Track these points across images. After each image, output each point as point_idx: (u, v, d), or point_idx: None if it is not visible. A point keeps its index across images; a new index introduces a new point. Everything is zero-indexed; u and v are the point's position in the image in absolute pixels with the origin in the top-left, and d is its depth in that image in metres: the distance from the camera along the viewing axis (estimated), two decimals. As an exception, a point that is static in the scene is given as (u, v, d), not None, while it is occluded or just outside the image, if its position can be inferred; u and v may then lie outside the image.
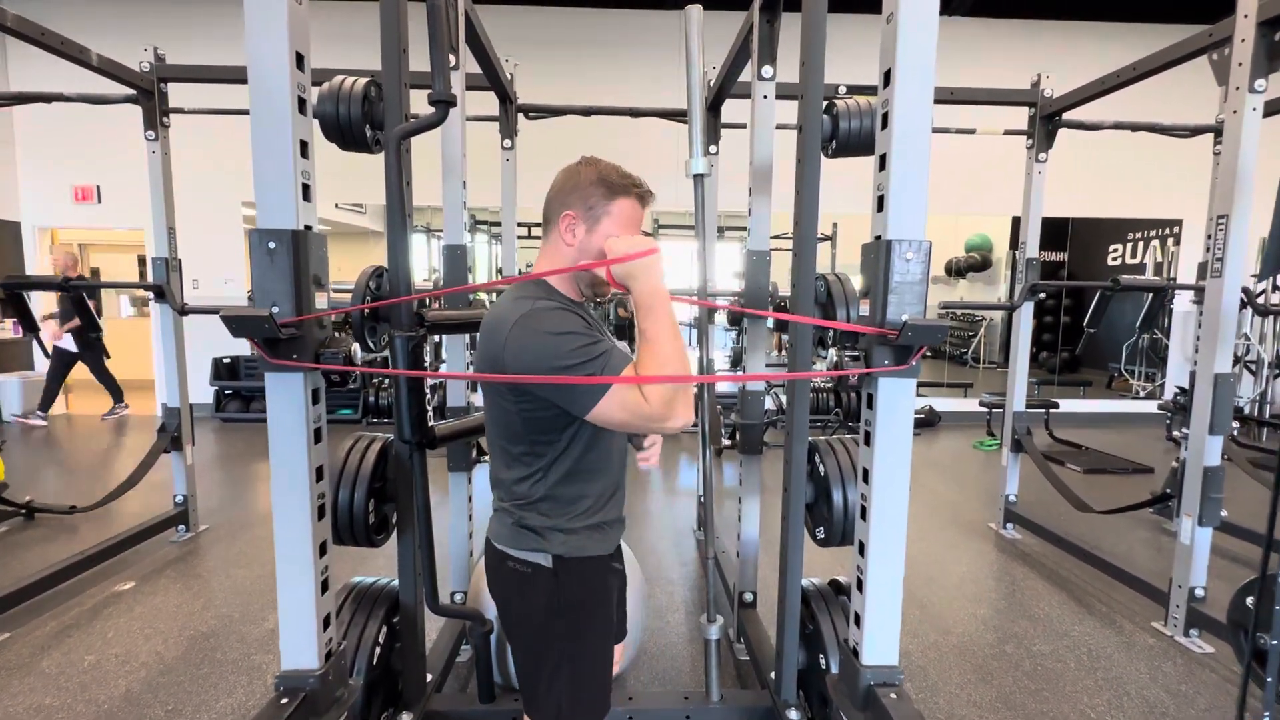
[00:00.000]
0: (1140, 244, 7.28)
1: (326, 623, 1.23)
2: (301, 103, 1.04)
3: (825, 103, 1.60)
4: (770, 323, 2.30)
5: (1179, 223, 6.80)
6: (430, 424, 1.64)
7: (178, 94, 3.23)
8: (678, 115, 3.66)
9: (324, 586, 1.20)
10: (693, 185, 1.67)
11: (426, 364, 1.48)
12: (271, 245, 0.99)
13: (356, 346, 1.09)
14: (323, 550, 1.18)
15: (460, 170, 2.14)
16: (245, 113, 1.04)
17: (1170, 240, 6.95)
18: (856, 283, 1.45)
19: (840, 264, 8.11)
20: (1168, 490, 3.34)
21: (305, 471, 1.05)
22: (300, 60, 1.03)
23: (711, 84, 3.02)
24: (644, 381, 0.90)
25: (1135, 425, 6.56)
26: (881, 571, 1.13)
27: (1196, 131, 3.40)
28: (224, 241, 6.48)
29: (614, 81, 6.56)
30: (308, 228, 1.06)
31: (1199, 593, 2.36)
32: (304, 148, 1.05)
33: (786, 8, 2.04)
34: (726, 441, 2.16)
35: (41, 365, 6.80)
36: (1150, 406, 6.43)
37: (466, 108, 2.63)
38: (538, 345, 0.93)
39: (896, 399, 1.06)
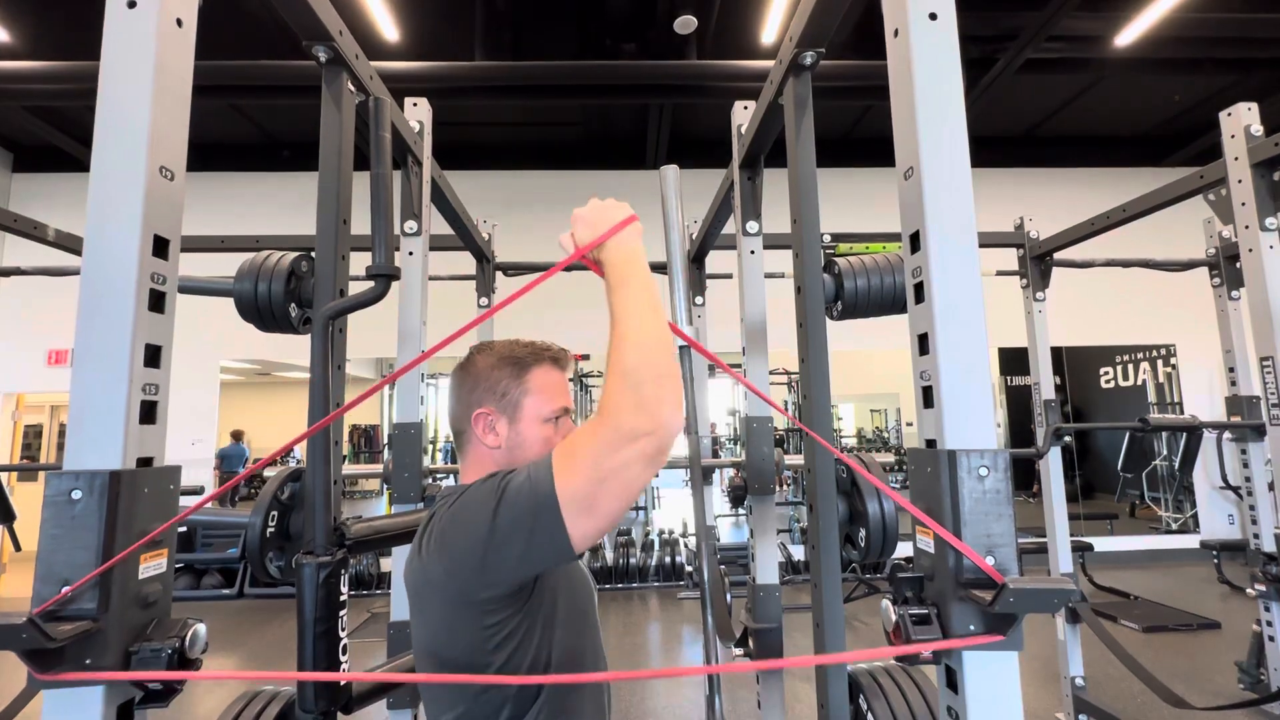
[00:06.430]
0: (1130, 366, 7.25)
1: None
2: (157, 298, 0.79)
3: (824, 260, 1.40)
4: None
5: (1167, 346, 6.79)
6: (344, 674, 1.24)
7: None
8: (661, 269, 3.59)
9: None
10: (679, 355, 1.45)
11: (344, 595, 1.12)
12: (75, 494, 0.69)
13: (200, 628, 0.74)
14: None
15: (419, 340, 1.91)
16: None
17: (1160, 362, 6.91)
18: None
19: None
20: (1259, 665, 2.84)
21: None
22: (162, 246, 0.79)
23: (694, 237, 2.93)
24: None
25: (1174, 562, 6.01)
26: None
27: (1189, 266, 3.35)
28: (197, 399, 6.23)
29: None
30: (144, 462, 0.76)
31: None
32: (153, 354, 0.78)
33: (768, 165, 1.95)
34: (738, 651, 1.75)
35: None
36: (1188, 541, 5.95)
37: (442, 268, 2.49)
38: (469, 509, 0.77)
39: (993, 682, 0.71)
